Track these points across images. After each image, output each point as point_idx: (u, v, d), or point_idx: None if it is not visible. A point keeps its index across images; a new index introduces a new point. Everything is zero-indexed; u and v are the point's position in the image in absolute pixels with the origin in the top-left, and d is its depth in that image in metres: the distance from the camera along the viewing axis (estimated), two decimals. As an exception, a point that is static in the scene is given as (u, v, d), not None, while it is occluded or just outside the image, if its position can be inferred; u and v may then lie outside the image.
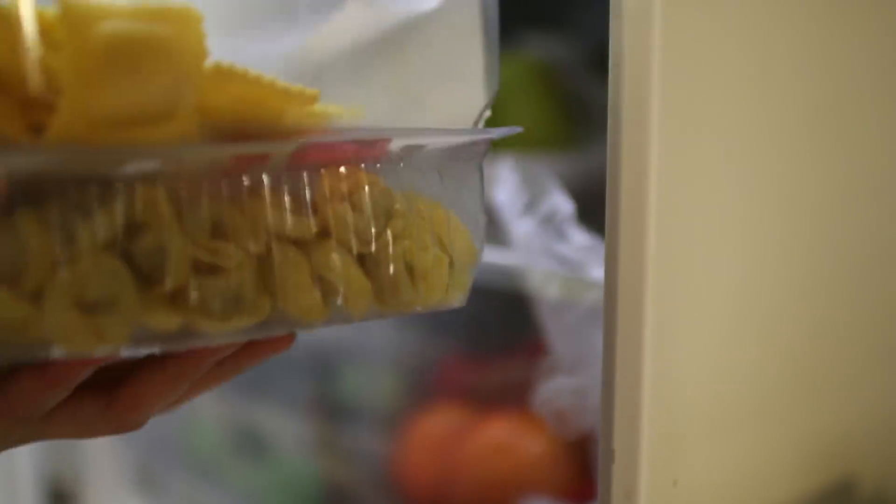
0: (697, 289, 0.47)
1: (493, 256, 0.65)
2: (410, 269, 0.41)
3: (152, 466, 0.98)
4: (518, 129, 0.44)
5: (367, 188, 0.39)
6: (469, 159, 0.44)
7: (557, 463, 0.71)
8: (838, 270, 0.54)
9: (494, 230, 0.62)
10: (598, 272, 0.57)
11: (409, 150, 0.41)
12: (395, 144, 0.40)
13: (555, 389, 0.60)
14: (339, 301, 0.39)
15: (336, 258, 0.39)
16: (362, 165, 0.40)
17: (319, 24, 0.41)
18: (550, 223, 0.59)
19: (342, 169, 0.39)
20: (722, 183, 0.48)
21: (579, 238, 0.59)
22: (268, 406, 0.91)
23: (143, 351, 0.38)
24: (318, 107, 0.38)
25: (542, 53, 0.96)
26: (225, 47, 0.36)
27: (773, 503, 0.53)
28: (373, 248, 0.40)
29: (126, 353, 0.36)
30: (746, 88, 0.48)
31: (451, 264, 0.42)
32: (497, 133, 0.44)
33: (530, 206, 0.60)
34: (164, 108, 0.34)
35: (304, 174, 0.38)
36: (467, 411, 0.80)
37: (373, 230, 0.40)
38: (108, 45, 0.33)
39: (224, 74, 0.36)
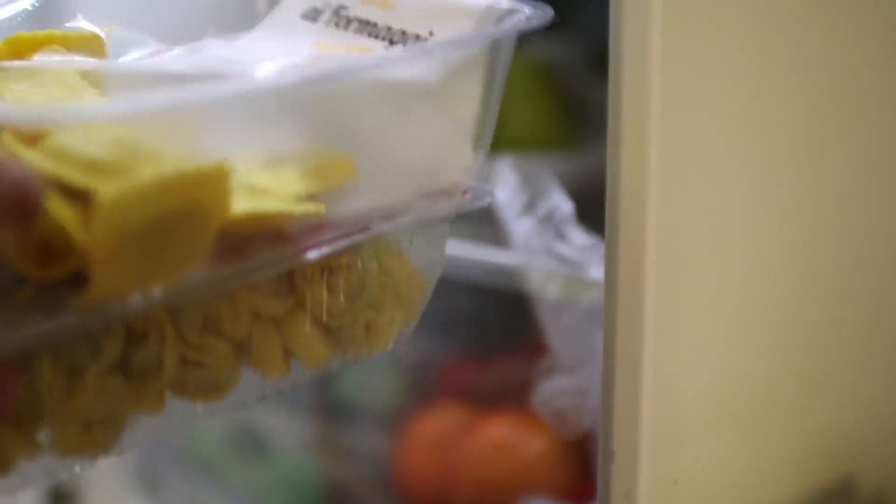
0: (697, 288, 0.48)
1: (493, 256, 0.65)
2: (367, 329, 0.44)
3: (152, 466, 0.98)
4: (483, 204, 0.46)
5: (347, 273, 0.42)
6: (441, 222, 0.46)
7: (557, 463, 0.71)
8: (839, 270, 0.54)
9: (494, 230, 0.62)
10: (597, 272, 0.57)
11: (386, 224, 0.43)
12: (378, 228, 0.42)
13: (555, 389, 0.60)
14: (300, 363, 0.42)
15: (306, 333, 0.42)
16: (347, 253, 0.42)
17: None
18: (550, 223, 0.59)
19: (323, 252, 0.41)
20: (722, 182, 0.48)
21: (579, 238, 0.59)
22: (268, 406, 0.91)
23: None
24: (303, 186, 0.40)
25: (541, 54, 0.95)
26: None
27: (774, 503, 0.53)
28: (341, 321, 0.42)
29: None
30: (746, 88, 0.48)
31: (406, 312, 0.46)
32: (470, 205, 0.46)
33: (530, 206, 0.60)
34: (189, 259, 0.36)
35: (292, 255, 0.40)
36: (467, 411, 0.80)
37: (343, 308, 0.42)
38: (141, 227, 0.33)
39: (241, 220, 0.37)
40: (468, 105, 0.45)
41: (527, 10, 0.44)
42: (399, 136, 0.43)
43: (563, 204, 0.59)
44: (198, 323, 0.39)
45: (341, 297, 0.42)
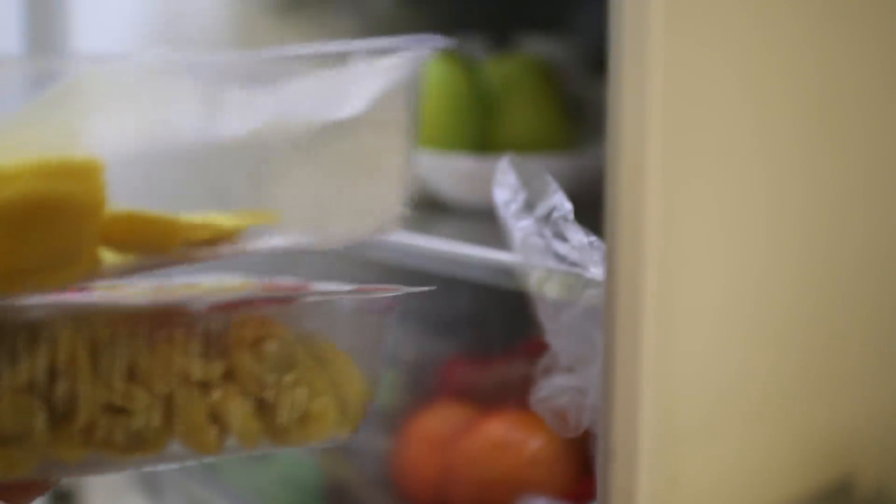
0: (697, 288, 0.48)
1: (492, 256, 0.65)
2: (302, 413, 0.45)
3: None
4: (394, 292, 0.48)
5: (273, 341, 0.44)
6: (376, 312, 0.48)
7: (557, 462, 0.71)
8: (838, 269, 0.54)
9: (494, 229, 0.62)
10: (597, 271, 0.57)
11: (320, 308, 0.46)
12: (309, 300, 0.45)
13: (554, 388, 0.60)
14: (233, 439, 0.43)
15: (234, 404, 0.43)
16: (277, 318, 0.44)
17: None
18: (550, 222, 0.59)
19: (253, 319, 0.44)
20: (721, 182, 0.48)
21: (579, 237, 0.59)
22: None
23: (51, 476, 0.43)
24: (226, 221, 0.42)
25: (540, 55, 0.96)
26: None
27: (774, 502, 0.53)
28: (270, 394, 0.44)
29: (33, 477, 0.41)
30: (746, 88, 0.48)
31: (343, 407, 0.46)
32: (402, 293, 0.48)
33: (530, 206, 0.60)
34: (64, 256, 0.38)
35: (216, 323, 0.43)
36: (467, 410, 0.80)
37: (271, 379, 0.44)
38: (8, 209, 0.36)
39: (123, 220, 0.39)
40: (392, 152, 0.47)
41: (421, 44, 0.46)
42: (320, 183, 0.45)
43: (562, 204, 0.59)
44: (122, 370, 0.41)
45: (269, 367, 0.44)
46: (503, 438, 0.74)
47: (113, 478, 1.01)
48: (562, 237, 0.59)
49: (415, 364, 0.85)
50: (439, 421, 0.81)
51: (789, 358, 0.53)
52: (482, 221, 0.76)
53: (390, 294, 0.47)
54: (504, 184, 0.61)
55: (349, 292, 0.47)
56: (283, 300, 0.45)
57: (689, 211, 0.46)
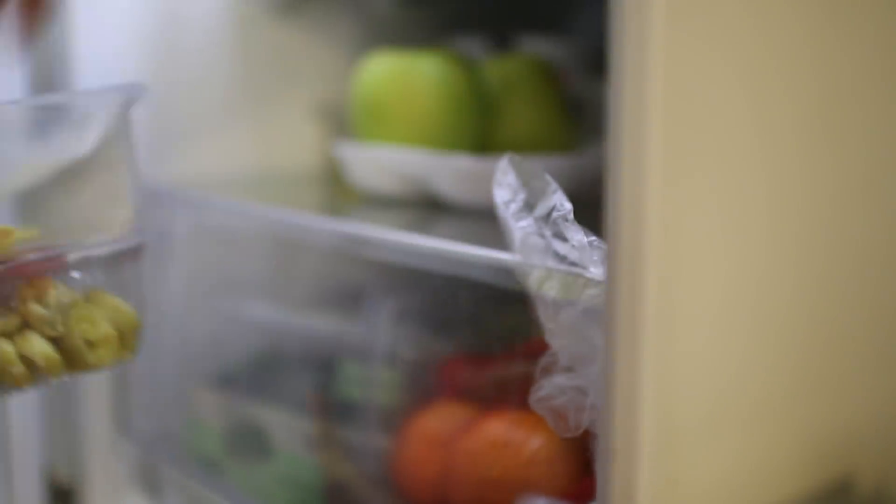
0: (697, 288, 0.48)
1: (492, 255, 0.65)
2: (89, 343, 0.59)
3: (153, 465, 0.98)
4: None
5: (51, 291, 0.58)
6: (126, 260, 0.63)
7: (557, 461, 0.71)
8: (838, 269, 0.54)
9: (494, 229, 0.62)
10: (597, 271, 0.57)
11: (80, 261, 0.60)
12: (70, 258, 0.60)
13: (554, 387, 0.60)
14: (40, 370, 0.57)
15: (34, 342, 0.57)
16: (50, 275, 0.59)
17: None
18: (550, 222, 0.60)
19: (34, 279, 0.58)
20: (722, 182, 0.48)
21: (579, 237, 0.59)
22: (268, 404, 0.92)
23: None
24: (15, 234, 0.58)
25: (540, 55, 0.96)
26: None
27: (774, 502, 0.53)
28: (60, 330, 0.58)
29: None
30: (747, 87, 0.48)
31: (121, 334, 0.61)
32: (145, 240, 0.64)
33: (530, 206, 0.60)
34: None
35: (7, 286, 0.57)
36: (467, 409, 0.80)
37: (58, 319, 0.58)
38: None
39: None
40: (117, 170, 0.64)
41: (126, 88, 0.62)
42: (69, 199, 0.62)
43: (562, 204, 0.59)
44: None
45: (53, 310, 0.58)
46: (503, 438, 0.74)
47: (113, 477, 1.01)
48: (562, 237, 0.59)
49: (415, 364, 0.85)
50: (439, 421, 0.81)
51: (789, 358, 0.53)
52: (482, 221, 0.76)
53: (133, 244, 0.63)
54: (504, 184, 0.61)
55: (101, 246, 0.62)
56: (53, 259, 0.59)
57: (689, 211, 0.47)
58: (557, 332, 0.59)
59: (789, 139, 0.51)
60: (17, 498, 0.98)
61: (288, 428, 0.90)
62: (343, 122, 1.01)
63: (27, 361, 0.57)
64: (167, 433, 0.99)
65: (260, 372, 0.95)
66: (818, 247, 0.53)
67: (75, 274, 0.60)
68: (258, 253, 0.95)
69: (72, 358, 0.59)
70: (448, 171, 0.83)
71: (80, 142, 0.61)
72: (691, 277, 0.47)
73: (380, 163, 0.87)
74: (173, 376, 0.98)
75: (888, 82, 0.55)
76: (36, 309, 0.57)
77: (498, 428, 0.75)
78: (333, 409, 0.88)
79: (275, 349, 0.95)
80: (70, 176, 0.62)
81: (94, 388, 0.99)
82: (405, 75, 0.87)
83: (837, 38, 0.52)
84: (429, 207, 0.86)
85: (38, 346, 0.57)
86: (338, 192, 0.99)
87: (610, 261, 0.46)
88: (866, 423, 0.57)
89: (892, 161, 0.56)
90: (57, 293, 0.58)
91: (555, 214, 0.59)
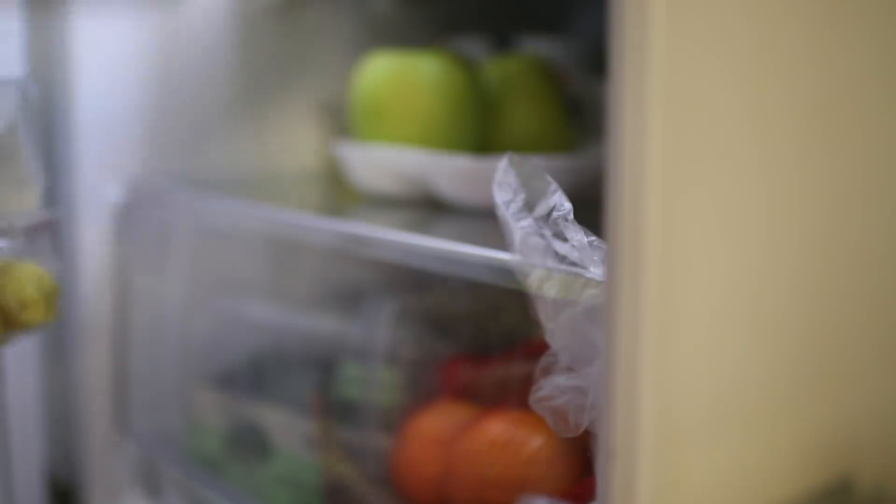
0: (697, 288, 0.48)
1: (492, 255, 0.65)
2: (21, 304, 0.67)
3: (153, 465, 0.98)
4: None
5: None
6: (41, 231, 0.70)
7: (557, 461, 0.71)
8: (838, 269, 0.54)
9: (494, 229, 0.62)
10: (597, 271, 0.57)
11: (3, 229, 0.68)
12: None
13: (554, 387, 0.60)
14: None
15: None
16: None
17: None
18: (550, 222, 0.60)
19: None
20: (722, 182, 0.48)
21: (579, 237, 0.59)
22: (268, 404, 0.92)
23: None
24: None
25: (540, 55, 0.96)
26: None
27: (774, 502, 0.53)
28: None
29: None
30: (747, 87, 0.48)
31: (46, 297, 0.68)
32: (45, 217, 0.71)
33: (530, 206, 0.60)
34: None
35: None
36: (467, 409, 0.80)
37: None
38: None
39: None
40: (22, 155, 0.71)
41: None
42: None
43: (562, 204, 0.59)
44: None
45: None
46: (503, 438, 0.74)
47: (113, 477, 1.01)
48: (562, 237, 0.59)
49: (415, 364, 0.85)
50: (439, 420, 0.81)
51: (789, 358, 0.53)
52: (482, 221, 0.76)
53: (47, 217, 0.70)
54: (504, 184, 0.61)
55: (20, 217, 0.69)
56: None
57: (689, 211, 0.47)
58: (557, 332, 0.59)
59: (789, 138, 0.51)
60: (17, 498, 0.98)
61: (288, 428, 0.90)
62: (343, 122, 1.01)
63: None
64: (167, 433, 0.99)
65: (260, 372, 0.95)
66: (818, 247, 0.53)
67: (2, 243, 0.68)
68: (258, 253, 0.95)
69: (5, 318, 0.66)
70: (448, 171, 0.83)
71: None
72: (691, 277, 0.47)
73: (380, 163, 0.87)
74: (173, 376, 0.98)
75: (888, 83, 0.55)
76: None
77: (498, 428, 0.75)
78: (333, 409, 0.88)
79: (275, 349, 0.95)
80: None
81: (94, 388, 0.99)
82: (405, 75, 0.87)
83: (837, 39, 0.52)
84: (429, 207, 0.86)
85: None
86: (338, 192, 0.99)
87: (610, 261, 0.46)
88: (866, 423, 0.58)
89: (892, 161, 0.56)
90: None
91: (555, 214, 0.59)
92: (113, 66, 0.96)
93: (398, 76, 0.87)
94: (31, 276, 0.68)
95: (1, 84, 0.72)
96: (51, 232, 0.71)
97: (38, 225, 0.70)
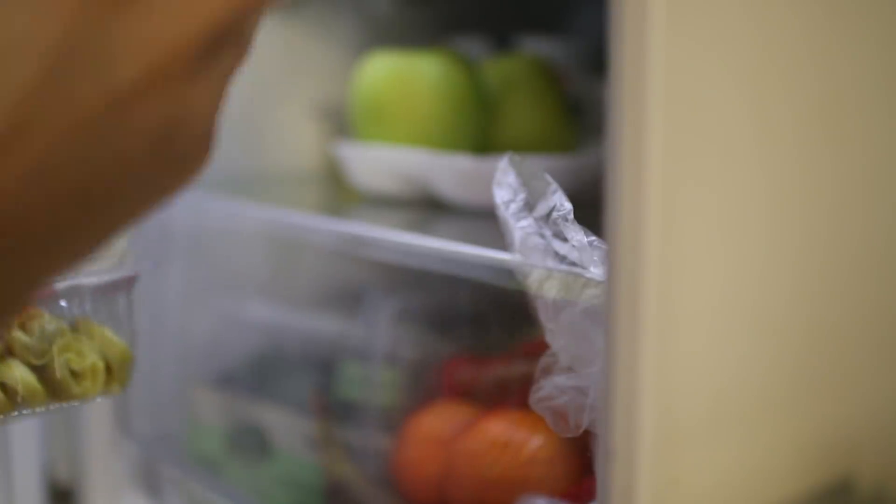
0: (697, 288, 0.48)
1: (492, 255, 0.65)
2: (74, 374, 0.58)
3: (153, 465, 0.98)
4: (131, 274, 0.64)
5: (35, 320, 0.57)
6: (118, 291, 0.62)
7: (557, 462, 0.71)
8: (838, 269, 0.54)
9: (494, 229, 0.62)
10: (597, 271, 0.57)
11: (69, 290, 0.59)
12: (59, 287, 0.58)
13: (554, 388, 0.60)
14: (20, 399, 0.56)
15: (15, 370, 0.56)
16: (36, 303, 0.58)
17: None
18: (550, 222, 0.60)
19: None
20: (722, 182, 0.48)
21: (579, 237, 0.59)
22: (269, 404, 0.92)
23: None
24: None
25: (540, 55, 0.96)
26: None
27: (774, 502, 0.53)
28: (44, 359, 0.57)
29: None
30: (747, 87, 0.48)
31: (109, 368, 0.60)
32: (123, 275, 0.62)
33: (530, 206, 0.60)
34: None
35: None
36: (467, 409, 0.80)
37: (42, 348, 0.57)
38: None
39: None
40: None
41: None
42: None
43: (562, 204, 0.59)
44: None
45: (37, 339, 0.57)
46: (503, 438, 0.74)
47: (113, 478, 1.01)
48: (562, 237, 0.59)
49: (415, 363, 0.85)
50: (439, 420, 0.81)
51: (789, 357, 0.53)
52: (482, 221, 0.76)
53: (124, 276, 0.62)
54: (504, 184, 0.61)
55: (92, 275, 0.60)
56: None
57: (689, 211, 0.47)
58: (557, 332, 0.59)
59: (789, 138, 0.51)
60: (17, 498, 0.98)
61: (288, 428, 0.90)
62: (343, 122, 1.01)
63: (7, 389, 0.56)
64: (167, 433, 0.99)
65: (260, 372, 0.95)
66: (818, 247, 0.53)
67: (63, 303, 0.59)
68: (258, 253, 0.95)
69: (55, 388, 0.58)
70: (448, 171, 0.83)
71: None
72: (691, 277, 0.47)
73: (380, 163, 0.87)
74: (173, 376, 0.98)
75: (888, 83, 0.55)
76: (19, 336, 0.57)
77: (498, 428, 0.75)
78: (333, 410, 0.88)
79: (275, 349, 0.95)
80: None
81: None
82: (405, 75, 0.87)
83: (837, 39, 0.52)
84: (429, 207, 0.86)
85: (19, 374, 0.56)
86: (338, 192, 0.99)
87: (610, 261, 0.46)
88: (866, 422, 0.58)
89: (892, 161, 0.56)
90: (42, 321, 0.58)
91: (555, 214, 0.59)
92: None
93: (398, 76, 0.87)
94: (97, 341, 0.59)
95: None
96: (130, 291, 0.63)
97: (114, 284, 0.62)
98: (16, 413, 0.56)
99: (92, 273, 0.60)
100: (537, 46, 1.02)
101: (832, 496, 0.56)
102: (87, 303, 0.60)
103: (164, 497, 0.97)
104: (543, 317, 0.59)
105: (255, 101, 1.03)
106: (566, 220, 0.59)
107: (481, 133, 0.87)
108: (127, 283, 0.62)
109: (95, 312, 0.60)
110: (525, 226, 0.60)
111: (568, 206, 0.59)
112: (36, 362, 0.57)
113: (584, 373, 0.58)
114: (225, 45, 0.30)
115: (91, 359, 0.58)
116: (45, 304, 0.58)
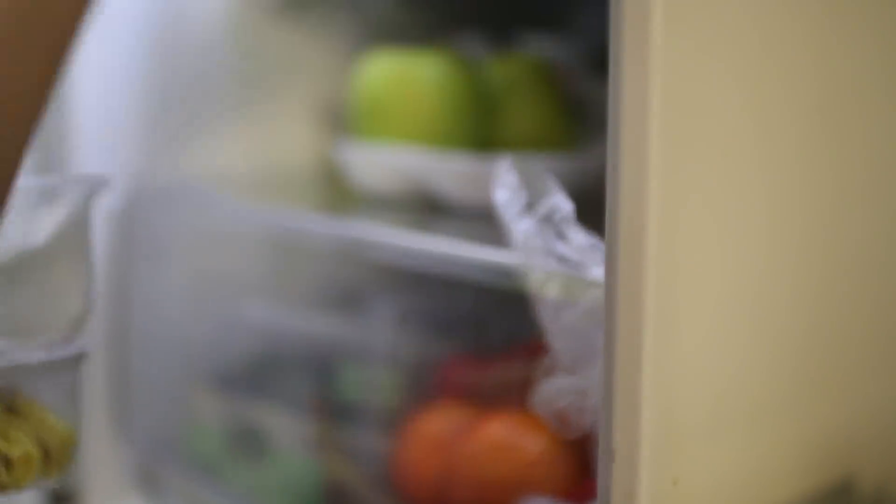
0: (697, 288, 0.48)
1: (493, 256, 0.65)
2: (6, 462, 0.52)
3: (152, 466, 0.98)
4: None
5: None
6: (64, 369, 0.55)
7: (557, 462, 0.71)
8: (838, 269, 0.54)
9: (494, 230, 0.62)
10: (597, 272, 0.57)
11: (4, 371, 0.53)
12: None
13: (555, 389, 0.60)
14: None
15: None
16: None
17: None
18: (550, 223, 0.59)
19: None
20: (721, 182, 0.48)
21: (579, 238, 0.59)
22: (268, 405, 0.92)
23: None
24: None
25: (541, 54, 0.96)
26: None
27: (774, 502, 0.53)
28: None
29: None
30: (747, 87, 0.48)
31: (46, 453, 0.53)
32: (69, 352, 0.55)
33: (530, 206, 0.60)
34: None
35: None
36: (467, 410, 0.80)
37: None
38: None
39: None
40: (71, 265, 0.56)
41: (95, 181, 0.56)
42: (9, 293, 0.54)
43: (563, 204, 0.59)
44: None
45: None
46: (504, 439, 0.74)
47: (113, 478, 1.01)
48: (562, 238, 0.59)
49: (415, 364, 0.85)
50: (439, 421, 0.81)
51: (789, 358, 0.53)
52: (482, 221, 0.75)
53: (72, 352, 0.55)
54: (504, 184, 0.61)
55: (32, 352, 0.54)
56: None
57: (689, 211, 0.46)
58: (558, 333, 0.59)
59: (789, 138, 0.51)
60: (17, 498, 0.98)
61: (288, 429, 0.90)
62: (342, 121, 1.01)
63: None
64: (167, 434, 0.99)
65: (260, 373, 0.94)
66: (818, 247, 0.53)
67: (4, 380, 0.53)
68: (258, 253, 0.95)
69: None
70: (448, 171, 0.83)
71: (33, 230, 0.54)
72: (691, 278, 0.47)
73: (380, 163, 0.87)
74: (173, 377, 0.97)
75: (888, 82, 0.55)
76: None
77: (498, 429, 0.75)
78: (333, 411, 0.88)
79: (275, 350, 0.95)
80: (14, 267, 0.54)
81: (94, 389, 0.99)
82: (405, 75, 0.86)
83: (837, 39, 0.52)
84: (429, 208, 0.86)
85: None
86: (337, 191, 0.99)
87: (610, 261, 0.46)
88: (867, 423, 0.57)
89: (892, 161, 0.56)
90: None
91: (556, 215, 0.59)
92: (112, 67, 0.96)
93: (398, 76, 0.87)
94: (35, 424, 0.53)
95: (66, 178, 0.59)
96: (77, 370, 0.56)
97: (62, 363, 0.55)
98: None
99: (34, 349, 0.54)
100: (539, 44, 1.02)
101: (833, 497, 0.56)
102: (31, 381, 0.54)
103: (163, 498, 0.97)
104: (544, 318, 0.59)
105: (255, 101, 1.03)
106: (567, 220, 0.59)
107: (482, 133, 0.87)
108: (75, 362, 0.56)
109: (39, 392, 0.54)
110: (526, 226, 0.60)
111: (569, 206, 0.59)
112: None
113: (584, 374, 0.58)
114: None
115: (23, 446, 0.52)
116: None
